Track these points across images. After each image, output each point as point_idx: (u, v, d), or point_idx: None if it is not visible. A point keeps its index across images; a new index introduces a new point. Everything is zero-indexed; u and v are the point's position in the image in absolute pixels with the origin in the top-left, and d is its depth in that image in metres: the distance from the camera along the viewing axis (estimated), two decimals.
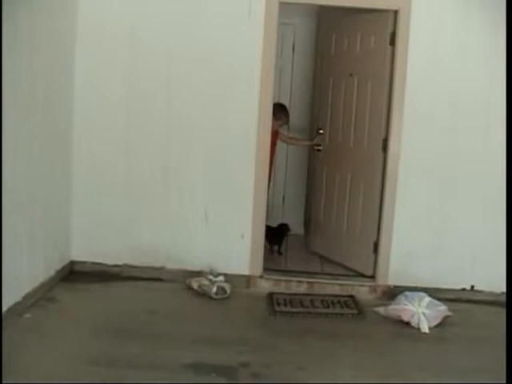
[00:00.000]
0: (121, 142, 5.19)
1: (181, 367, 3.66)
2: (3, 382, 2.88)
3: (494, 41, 4.92)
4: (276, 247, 6.13)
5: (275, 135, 5.89)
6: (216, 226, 5.24)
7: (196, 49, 5.06)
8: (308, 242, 6.33)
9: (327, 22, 6.14)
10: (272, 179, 5.89)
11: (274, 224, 6.18)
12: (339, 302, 5.00)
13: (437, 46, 5.01)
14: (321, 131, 5.99)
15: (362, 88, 5.44)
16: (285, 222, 6.31)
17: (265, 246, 5.48)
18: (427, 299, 4.64)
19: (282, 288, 5.22)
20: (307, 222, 6.70)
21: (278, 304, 4.88)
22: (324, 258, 5.89)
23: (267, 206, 5.39)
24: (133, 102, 5.14)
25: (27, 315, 4.25)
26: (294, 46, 6.90)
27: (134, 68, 5.11)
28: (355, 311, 4.84)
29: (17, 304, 4.18)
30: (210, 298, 4.86)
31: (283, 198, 7.09)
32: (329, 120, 5.91)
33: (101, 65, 5.11)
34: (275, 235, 6.09)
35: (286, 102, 6.45)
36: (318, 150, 6.03)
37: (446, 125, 5.09)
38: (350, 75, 5.56)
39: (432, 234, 5.21)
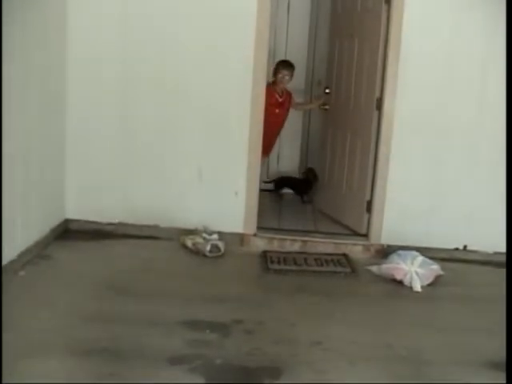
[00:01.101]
0: (116, 103, 5.14)
1: (175, 324, 3.69)
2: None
3: (493, 2, 4.82)
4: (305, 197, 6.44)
5: (289, 100, 6.01)
6: (210, 183, 5.23)
7: (190, 12, 4.98)
8: (313, 200, 6.39)
9: None
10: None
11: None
12: (332, 260, 5.03)
13: (433, 5, 4.92)
14: (327, 90, 5.97)
15: (361, 48, 5.39)
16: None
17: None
18: (420, 258, 4.66)
19: (275, 246, 5.24)
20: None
21: (272, 262, 4.91)
22: (325, 216, 5.90)
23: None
24: (128, 62, 5.07)
25: (22, 273, 4.27)
26: (288, 5, 6.81)
27: (128, 29, 5.02)
28: (348, 270, 4.87)
29: (12, 262, 4.19)
30: (204, 255, 4.88)
31: (277, 158, 7.07)
32: (334, 80, 5.88)
33: (94, 24, 5.02)
34: (304, 184, 6.45)
35: None
36: (325, 110, 6.04)
37: (441, 85, 5.04)
38: (351, 35, 5.50)
39: (426, 193, 5.21)
